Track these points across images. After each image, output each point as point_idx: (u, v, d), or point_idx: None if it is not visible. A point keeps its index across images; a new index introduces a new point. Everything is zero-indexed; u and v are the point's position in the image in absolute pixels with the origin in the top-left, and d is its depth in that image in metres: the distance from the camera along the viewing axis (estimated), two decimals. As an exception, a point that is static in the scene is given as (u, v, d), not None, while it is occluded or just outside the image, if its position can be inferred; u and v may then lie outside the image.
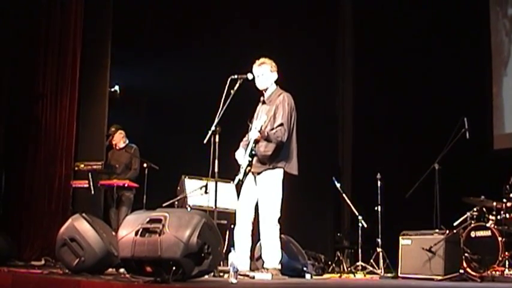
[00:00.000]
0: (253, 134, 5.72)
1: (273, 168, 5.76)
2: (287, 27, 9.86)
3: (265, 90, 5.97)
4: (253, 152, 5.73)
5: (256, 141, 5.73)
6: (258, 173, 5.78)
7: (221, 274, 5.25)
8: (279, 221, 5.76)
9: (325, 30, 10.95)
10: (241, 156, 5.86)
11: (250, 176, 5.82)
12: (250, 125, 5.99)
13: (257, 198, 5.80)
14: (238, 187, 6.00)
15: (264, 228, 5.73)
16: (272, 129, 5.74)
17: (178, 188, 7.87)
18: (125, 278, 4.63)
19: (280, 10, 10.03)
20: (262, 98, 6.02)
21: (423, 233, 7.12)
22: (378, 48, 10.33)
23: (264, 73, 5.91)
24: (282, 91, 5.96)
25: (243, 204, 5.85)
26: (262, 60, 5.95)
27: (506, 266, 6.23)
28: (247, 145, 5.82)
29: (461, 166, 8.28)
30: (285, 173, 5.81)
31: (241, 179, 5.77)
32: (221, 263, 5.35)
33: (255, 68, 5.92)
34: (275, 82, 6.00)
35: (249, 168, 5.75)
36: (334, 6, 11.33)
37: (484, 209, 6.86)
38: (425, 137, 9.05)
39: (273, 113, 5.80)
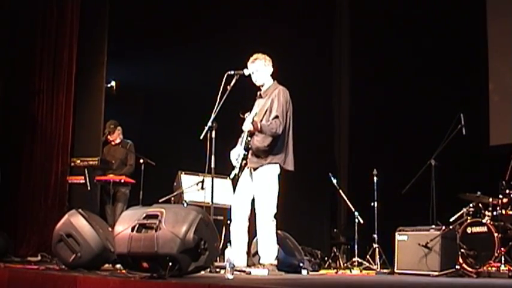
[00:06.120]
0: (245, 126, 5.70)
1: (269, 163, 5.75)
2: (284, 26, 9.84)
3: (263, 85, 5.99)
4: (248, 146, 5.73)
5: (251, 134, 5.73)
6: (255, 169, 5.78)
7: (217, 270, 5.25)
8: (275, 217, 5.76)
9: (322, 28, 10.97)
10: (235, 153, 5.84)
11: (246, 171, 5.82)
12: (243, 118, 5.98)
13: (253, 194, 5.79)
14: (235, 182, 6.00)
15: (260, 224, 5.74)
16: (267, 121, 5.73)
17: (175, 183, 7.86)
18: (121, 273, 4.64)
19: (277, 8, 10.02)
20: (259, 93, 6.02)
21: (419, 229, 7.14)
22: (374, 45, 10.34)
23: (259, 69, 5.91)
24: (278, 85, 5.96)
25: (239, 199, 5.85)
26: (255, 56, 5.95)
27: (502, 261, 6.24)
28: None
29: (457, 162, 8.30)
30: (281, 169, 5.81)
31: (237, 173, 5.77)
32: (217, 258, 5.34)
33: (249, 65, 5.93)
34: (272, 76, 6.00)
35: (244, 162, 5.75)
36: (330, 5, 11.33)
37: (480, 205, 6.87)
38: (421, 133, 9.06)
39: (268, 105, 5.80)
